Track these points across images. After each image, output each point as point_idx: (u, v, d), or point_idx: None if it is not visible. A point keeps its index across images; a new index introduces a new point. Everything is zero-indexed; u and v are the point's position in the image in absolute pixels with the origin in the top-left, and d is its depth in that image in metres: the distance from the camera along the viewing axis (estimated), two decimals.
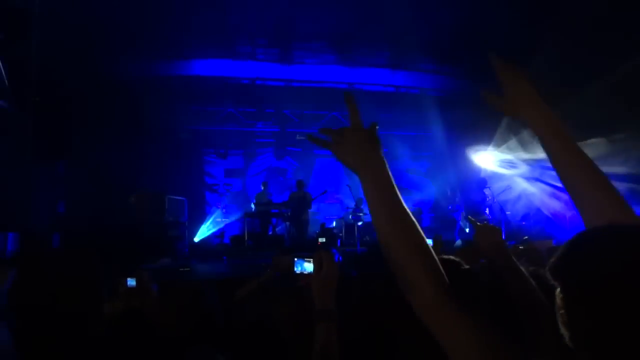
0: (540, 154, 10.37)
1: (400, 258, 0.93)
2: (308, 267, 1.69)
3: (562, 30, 8.03)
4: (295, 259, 1.77)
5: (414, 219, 0.98)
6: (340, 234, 10.18)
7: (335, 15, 9.61)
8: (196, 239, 10.17)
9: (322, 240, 5.91)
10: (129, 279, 2.18)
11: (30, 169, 6.68)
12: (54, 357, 1.63)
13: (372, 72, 11.52)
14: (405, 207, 1.00)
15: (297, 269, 1.75)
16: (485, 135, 11.59)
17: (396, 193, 1.02)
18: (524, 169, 11.14)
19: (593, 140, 9.23)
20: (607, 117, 8.57)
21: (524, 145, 10.82)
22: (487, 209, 9.91)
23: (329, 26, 10.01)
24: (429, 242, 3.21)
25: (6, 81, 6.57)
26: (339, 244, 6.62)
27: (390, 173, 1.08)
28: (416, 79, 11.91)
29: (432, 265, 0.91)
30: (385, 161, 1.09)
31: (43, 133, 7.20)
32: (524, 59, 8.64)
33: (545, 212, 10.76)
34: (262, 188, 10.15)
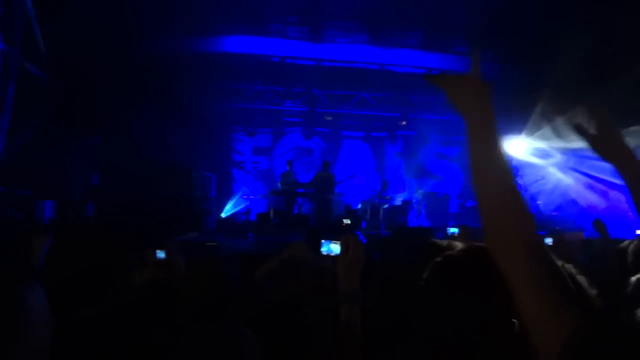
0: (575, 144, 10.07)
1: (497, 202, 0.95)
2: (335, 248, 1.71)
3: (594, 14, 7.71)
4: (323, 240, 1.79)
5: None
6: (366, 216, 10.18)
7: None
8: (223, 215, 10.36)
9: (346, 221, 5.93)
10: (158, 251, 2.24)
11: (67, 139, 6.91)
12: (87, 320, 1.71)
13: (403, 53, 11.30)
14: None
15: (324, 250, 1.77)
16: (518, 122, 11.27)
17: (501, 146, 1.05)
18: (558, 158, 10.81)
19: (634, 128, 8.88)
20: None
21: (558, 134, 10.49)
22: None
23: (360, 5, 9.84)
24: (455, 230, 3.16)
25: (44, 53, 6.77)
26: (363, 226, 6.64)
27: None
28: (449, 62, 11.62)
29: (526, 211, 0.92)
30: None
31: (78, 105, 7.42)
32: (557, 44, 8.38)
33: (579, 203, 10.47)
34: (288, 167, 10.20)
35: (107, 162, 7.50)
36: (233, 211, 10.58)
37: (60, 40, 7.26)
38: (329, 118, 12.00)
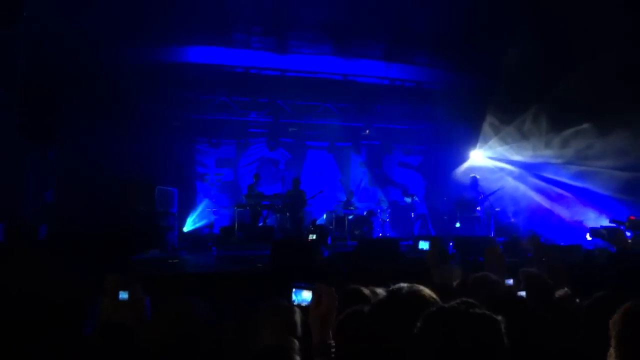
0: (528, 153, 10.52)
1: None
2: (307, 296, 1.67)
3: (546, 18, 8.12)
4: (294, 289, 1.74)
5: None
6: (331, 226, 10.22)
7: (332, 5, 9.53)
8: (185, 229, 10.14)
9: (312, 237, 5.92)
10: (121, 292, 2.16)
11: (20, 157, 6.60)
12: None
13: (367, 64, 11.44)
14: None
15: (295, 299, 1.72)
16: (479, 130, 11.63)
17: None
18: (515, 166, 11.23)
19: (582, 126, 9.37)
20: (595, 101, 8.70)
21: (513, 144, 10.92)
22: (479, 206, 9.99)
23: (325, 16, 9.91)
24: (425, 245, 3.24)
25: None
26: (329, 242, 6.66)
27: None
28: (411, 72, 11.86)
29: None
30: None
31: (32, 119, 7.10)
32: (518, 49, 8.74)
33: (535, 209, 10.88)
34: (254, 180, 10.11)
35: (62, 178, 7.19)
36: (196, 225, 10.38)
37: (13, 51, 6.95)
38: (293, 129, 11.99)
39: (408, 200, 11.15)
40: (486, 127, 11.29)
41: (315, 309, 1.38)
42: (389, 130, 12.59)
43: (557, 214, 10.49)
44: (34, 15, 7.07)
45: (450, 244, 6.58)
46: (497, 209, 10.22)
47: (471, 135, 11.72)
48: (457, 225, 11.21)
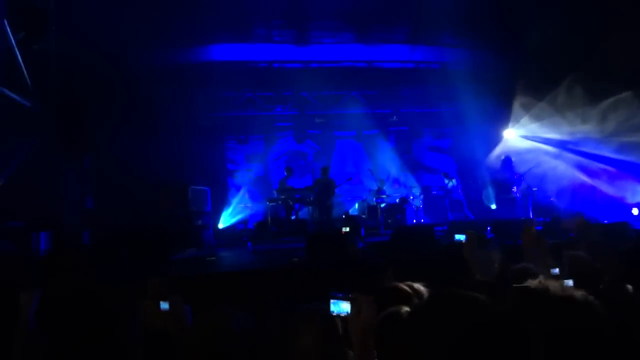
0: (566, 129, 10.11)
1: None
2: (345, 307, 1.62)
3: None
4: (331, 300, 1.68)
5: None
6: (364, 216, 10.15)
7: None
8: (220, 226, 10.30)
9: (346, 229, 5.88)
10: (162, 303, 2.18)
11: (58, 166, 6.81)
12: None
13: (391, 48, 11.27)
14: None
15: (333, 310, 1.66)
16: (510, 109, 11.28)
17: None
18: (551, 144, 10.84)
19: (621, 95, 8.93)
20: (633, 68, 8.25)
21: (547, 121, 10.53)
22: (515, 187, 9.71)
23: (345, 4, 9.78)
24: (462, 237, 3.03)
25: (29, 80, 6.66)
26: (362, 233, 6.60)
27: None
28: (436, 54, 11.61)
29: None
30: None
31: (67, 129, 7.31)
32: (544, 27, 8.37)
33: (575, 188, 10.49)
34: (286, 173, 10.12)
35: (100, 185, 7.40)
36: (231, 221, 10.51)
37: (44, 64, 7.16)
38: (320, 120, 11.93)
39: (449, 183, 10.94)
40: (517, 105, 10.93)
41: (355, 320, 1.34)
42: (417, 114, 12.36)
43: (599, 190, 10.08)
44: (62, 27, 7.25)
45: (488, 228, 6.42)
46: (534, 189, 9.90)
47: (502, 115, 11.38)
48: (493, 207, 10.96)
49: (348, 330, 1.37)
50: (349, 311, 1.45)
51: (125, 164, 7.62)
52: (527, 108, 10.77)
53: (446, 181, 11.08)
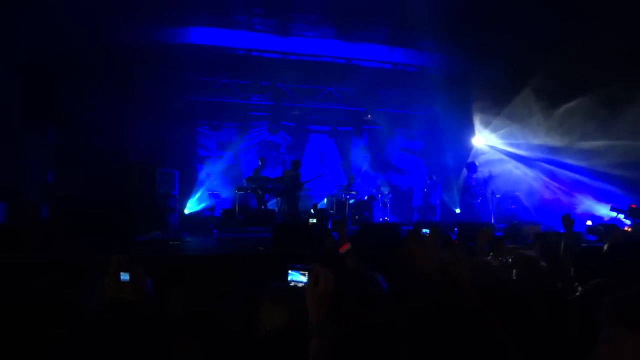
0: (535, 141, 10.46)
1: None
2: (302, 278, 1.67)
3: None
4: (290, 270, 1.75)
5: None
6: (332, 211, 10.24)
7: None
8: (187, 211, 10.17)
9: (312, 221, 5.93)
10: (122, 273, 2.17)
11: (21, 138, 6.58)
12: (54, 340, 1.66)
13: (370, 47, 11.34)
14: None
15: (291, 279, 1.72)
16: (482, 115, 11.58)
17: None
18: (518, 153, 11.20)
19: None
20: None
21: (519, 131, 10.86)
22: (478, 192, 9.99)
23: None
24: (427, 231, 3.16)
25: None
26: (330, 226, 6.66)
27: None
28: (414, 57, 11.76)
29: None
30: None
31: (34, 100, 7.07)
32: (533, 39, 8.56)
33: (536, 197, 10.89)
34: (260, 163, 10.09)
35: (63, 160, 7.17)
36: (197, 207, 10.39)
37: (12, 31, 6.87)
38: (295, 112, 11.94)
39: (430, 184, 11.17)
40: (484, 113, 11.25)
41: (312, 290, 1.39)
42: (391, 114, 12.52)
43: (559, 200, 10.50)
44: None
45: (455, 229, 6.60)
46: (497, 196, 10.22)
47: (472, 121, 11.68)
48: (457, 210, 11.25)
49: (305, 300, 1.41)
50: (306, 281, 1.50)
51: (92, 140, 7.40)
52: (493, 116, 11.09)
53: (428, 180, 11.28)
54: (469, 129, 11.90)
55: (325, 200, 11.04)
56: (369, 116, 12.48)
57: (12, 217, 5.41)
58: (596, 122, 8.87)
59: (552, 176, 10.71)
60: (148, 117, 9.19)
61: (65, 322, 2.02)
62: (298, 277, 1.70)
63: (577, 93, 9.15)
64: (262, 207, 9.62)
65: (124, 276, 2.15)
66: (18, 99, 6.96)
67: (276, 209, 9.78)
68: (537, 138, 10.22)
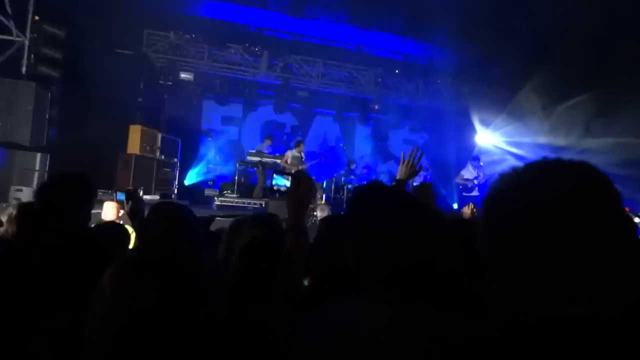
0: (540, 139, 10.44)
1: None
2: (286, 182, 1.75)
3: None
4: (275, 174, 1.83)
5: None
6: (329, 193, 10.29)
7: None
8: (186, 182, 10.25)
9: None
10: (118, 193, 2.24)
11: (27, 89, 6.63)
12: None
13: (382, 37, 11.32)
14: None
15: (275, 182, 1.81)
16: (487, 113, 11.58)
17: None
18: (521, 151, 11.19)
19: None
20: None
21: (525, 130, 10.85)
22: (477, 187, 10.00)
23: None
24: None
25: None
26: (326, 198, 6.74)
27: None
28: (425, 50, 11.76)
29: None
30: None
31: (43, 53, 7.13)
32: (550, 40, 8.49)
33: None
34: (265, 140, 10.14)
35: (66, 115, 7.23)
36: (197, 179, 10.47)
37: None
38: (302, 94, 11.96)
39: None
40: (489, 111, 11.25)
41: (294, 192, 1.45)
42: (398, 105, 12.53)
43: None
44: None
45: None
46: None
47: (476, 119, 11.68)
48: (455, 206, 11.28)
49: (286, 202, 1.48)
50: (288, 185, 1.58)
51: (98, 98, 7.46)
52: (497, 114, 11.09)
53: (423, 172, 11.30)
54: (473, 126, 11.91)
55: (325, 183, 11.10)
56: (377, 107, 12.50)
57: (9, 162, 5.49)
58: (600, 119, 8.85)
59: None
60: (156, 83, 9.25)
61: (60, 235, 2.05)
62: (282, 182, 1.79)
63: (581, 89, 9.11)
64: (263, 183, 9.67)
65: (120, 196, 2.21)
66: (27, 49, 7.04)
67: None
68: (541, 136, 10.21)
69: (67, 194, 1.85)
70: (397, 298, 1.00)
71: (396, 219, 1.08)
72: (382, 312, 0.99)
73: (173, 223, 1.97)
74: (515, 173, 0.77)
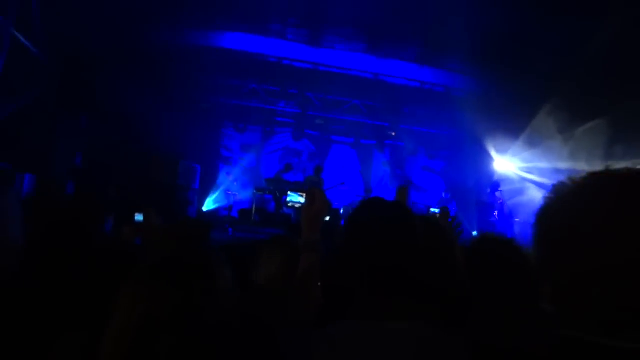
0: (560, 165, 10.27)
1: None
2: (300, 199, 1.76)
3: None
4: (289, 192, 1.84)
5: None
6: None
7: (368, 4, 9.59)
8: (204, 209, 10.33)
9: (326, 218, 5.98)
10: (136, 214, 2.28)
11: (54, 117, 6.87)
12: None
13: (398, 64, 11.45)
14: None
15: (290, 200, 1.82)
16: (505, 140, 11.48)
17: None
18: (541, 178, 11.01)
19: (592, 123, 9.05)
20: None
21: (544, 155, 10.70)
22: (496, 212, 9.84)
23: (360, 14, 9.97)
24: (436, 210, 3.34)
25: (39, 27, 6.75)
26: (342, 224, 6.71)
27: None
28: (441, 77, 11.82)
29: None
30: None
31: (70, 85, 7.40)
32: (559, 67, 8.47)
33: None
34: (284, 168, 10.21)
35: (93, 143, 7.45)
36: (215, 206, 10.55)
37: (58, 19, 7.25)
38: (319, 122, 12.10)
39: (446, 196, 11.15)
40: (507, 137, 11.16)
41: (308, 209, 1.45)
42: (415, 132, 12.55)
43: None
44: None
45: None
46: (517, 219, 10.04)
47: (500, 144, 11.58)
48: (474, 233, 11.09)
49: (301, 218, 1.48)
50: (302, 202, 1.58)
51: (122, 128, 7.68)
52: (514, 140, 10.99)
53: (443, 195, 11.24)
54: (490, 153, 11.80)
55: (342, 209, 11.05)
56: (393, 133, 12.54)
57: (38, 190, 5.64)
58: (622, 143, 8.70)
59: None
60: (176, 114, 9.47)
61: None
62: (296, 199, 1.79)
63: (599, 112, 9.00)
64: (280, 210, 9.69)
65: (139, 217, 2.25)
66: (56, 84, 7.30)
67: (292, 212, 9.85)
68: (561, 162, 10.04)
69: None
70: (391, 315, 1.01)
71: (387, 237, 1.10)
72: (377, 329, 0.99)
73: (185, 239, 2.00)
74: (573, 183, 0.76)
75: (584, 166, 9.45)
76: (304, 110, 11.66)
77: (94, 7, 7.59)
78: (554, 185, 0.79)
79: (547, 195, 0.79)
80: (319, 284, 1.40)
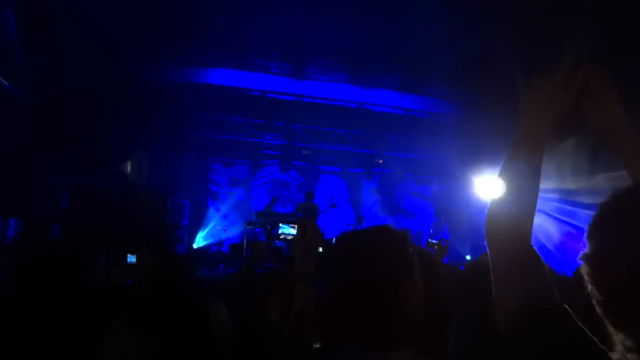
0: (547, 186, 10.36)
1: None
2: (292, 231, 1.73)
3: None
4: (280, 224, 1.82)
5: None
6: None
7: (349, 35, 9.81)
8: (195, 246, 10.18)
9: (319, 249, 5.91)
10: (129, 255, 2.24)
11: (38, 162, 6.79)
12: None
13: (382, 93, 11.64)
14: None
15: (282, 232, 1.79)
16: (492, 162, 11.60)
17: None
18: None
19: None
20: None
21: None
22: None
23: (341, 45, 10.18)
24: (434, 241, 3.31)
25: (23, 69, 6.76)
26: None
27: None
28: (425, 104, 12.02)
29: None
30: None
31: (54, 126, 7.35)
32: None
33: (547, 245, 10.65)
34: (271, 202, 10.21)
35: (78, 184, 7.35)
36: (205, 242, 10.41)
37: (41, 62, 7.27)
38: (307, 152, 12.15)
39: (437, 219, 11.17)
40: (492, 160, 11.28)
41: (300, 240, 1.42)
42: (402, 159, 12.66)
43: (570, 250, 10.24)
44: (66, 28, 7.43)
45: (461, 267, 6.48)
46: None
47: (487, 167, 11.70)
48: (468, 257, 11.06)
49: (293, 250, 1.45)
50: (295, 233, 1.55)
51: (107, 167, 7.61)
52: (499, 163, 11.06)
53: (436, 218, 11.25)
54: (479, 175, 11.90)
55: (334, 239, 10.99)
56: (380, 161, 12.62)
57: (24, 233, 5.51)
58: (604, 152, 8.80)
59: (564, 224, 10.50)
60: (162, 150, 9.43)
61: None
62: (288, 230, 1.76)
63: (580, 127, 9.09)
64: (271, 243, 9.58)
65: (131, 258, 2.21)
66: (41, 125, 7.25)
67: (284, 244, 9.75)
68: (547, 181, 10.13)
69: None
70: (383, 346, 0.99)
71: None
72: None
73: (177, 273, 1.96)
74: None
75: (571, 185, 9.57)
76: (291, 142, 11.72)
77: (79, 48, 7.65)
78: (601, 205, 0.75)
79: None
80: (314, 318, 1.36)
